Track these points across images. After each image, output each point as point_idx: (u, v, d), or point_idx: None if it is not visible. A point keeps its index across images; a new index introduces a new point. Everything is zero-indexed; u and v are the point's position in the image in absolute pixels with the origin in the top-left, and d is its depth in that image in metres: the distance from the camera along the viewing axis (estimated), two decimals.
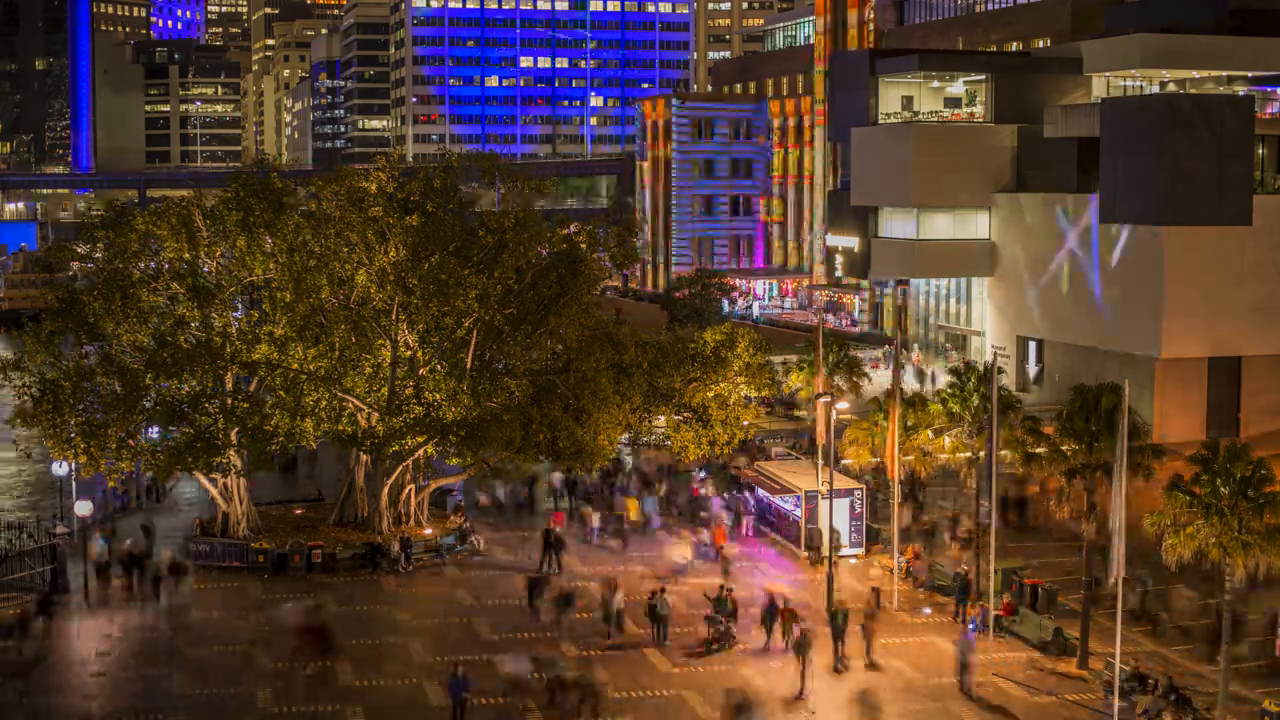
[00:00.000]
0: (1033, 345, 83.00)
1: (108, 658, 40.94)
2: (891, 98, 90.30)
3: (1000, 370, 47.17)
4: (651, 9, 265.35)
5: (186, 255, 50.93)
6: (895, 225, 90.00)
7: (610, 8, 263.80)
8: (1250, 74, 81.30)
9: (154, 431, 50.75)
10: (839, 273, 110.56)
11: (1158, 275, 71.41)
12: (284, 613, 42.97)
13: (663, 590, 43.09)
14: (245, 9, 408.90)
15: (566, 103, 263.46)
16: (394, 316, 50.63)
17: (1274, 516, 34.56)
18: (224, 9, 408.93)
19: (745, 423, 55.95)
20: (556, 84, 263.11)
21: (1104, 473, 39.10)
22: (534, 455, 50.77)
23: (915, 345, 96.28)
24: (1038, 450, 42.94)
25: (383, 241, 50.74)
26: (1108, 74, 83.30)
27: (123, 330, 49.64)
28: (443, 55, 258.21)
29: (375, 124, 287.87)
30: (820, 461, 50.08)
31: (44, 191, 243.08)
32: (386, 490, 51.39)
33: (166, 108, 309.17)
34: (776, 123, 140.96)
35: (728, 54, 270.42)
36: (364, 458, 52.42)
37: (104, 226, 53.30)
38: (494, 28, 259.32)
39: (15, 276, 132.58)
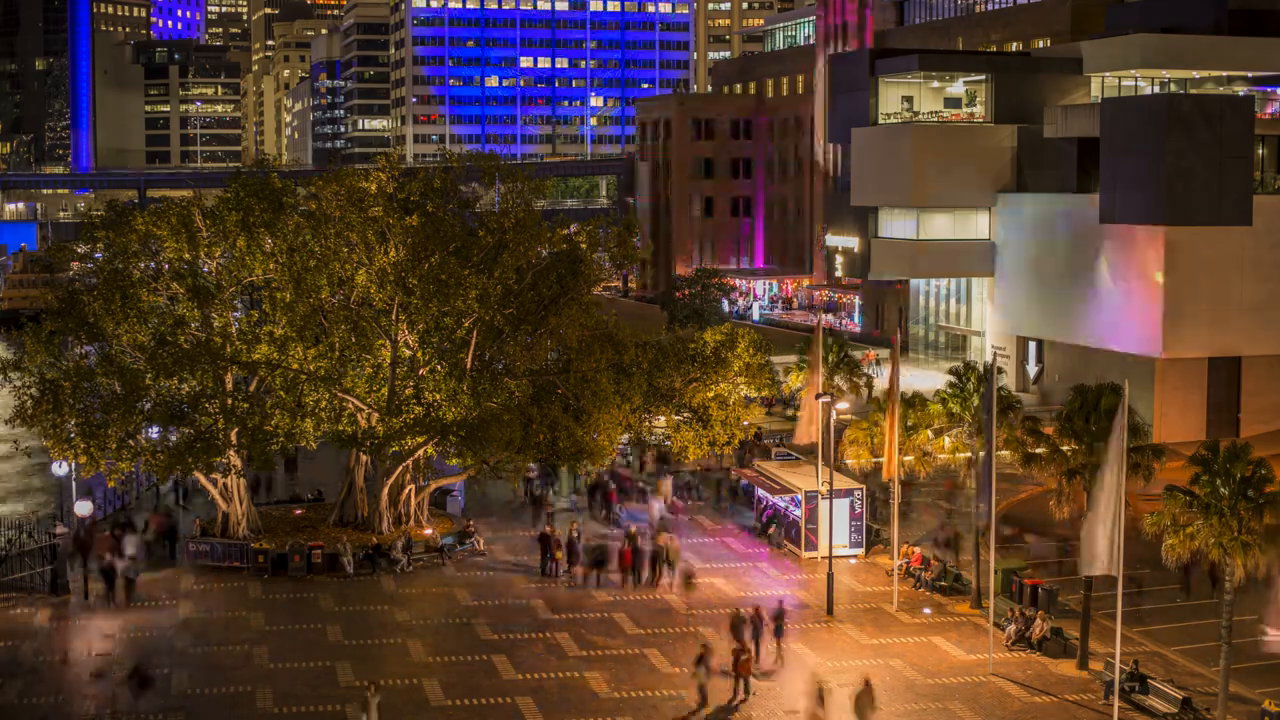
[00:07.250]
0: (1033, 345, 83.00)
1: (108, 658, 40.93)
2: (891, 98, 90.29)
3: (1000, 370, 47.13)
4: (651, 9, 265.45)
5: (186, 255, 50.92)
6: (895, 225, 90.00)
7: (610, 8, 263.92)
8: (1250, 74, 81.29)
9: (154, 431, 50.74)
10: (839, 273, 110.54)
11: (1158, 275, 71.41)
12: None
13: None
14: (245, 9, 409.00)
15: (566, 103, 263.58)
16: (394, 316, 50.64)
17: (1274, 516, 34.55)
18: (224, 9, 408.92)
19: (745, 423, 55.96)
20: (556, 84, 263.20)
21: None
22: (534, 455, 50.80)
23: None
24: (1037, 450, 42.94)
25: (383, 241, 50.74)
26: (1107, 74, 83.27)
27: (123, 330, 49.61)
28: (443, 55, 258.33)
29: (375, 124, 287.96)
30: (820, 462, 50.07)
31: (44, 191, 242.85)
32: (386, 490, 51.40)
33: (166, 108, 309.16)
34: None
35: (728, 54, 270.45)
36: (364, 458, 52.43)
37: (104, 226, 53.25)
38: (494, 28, 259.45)
39: (15, 276, 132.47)
